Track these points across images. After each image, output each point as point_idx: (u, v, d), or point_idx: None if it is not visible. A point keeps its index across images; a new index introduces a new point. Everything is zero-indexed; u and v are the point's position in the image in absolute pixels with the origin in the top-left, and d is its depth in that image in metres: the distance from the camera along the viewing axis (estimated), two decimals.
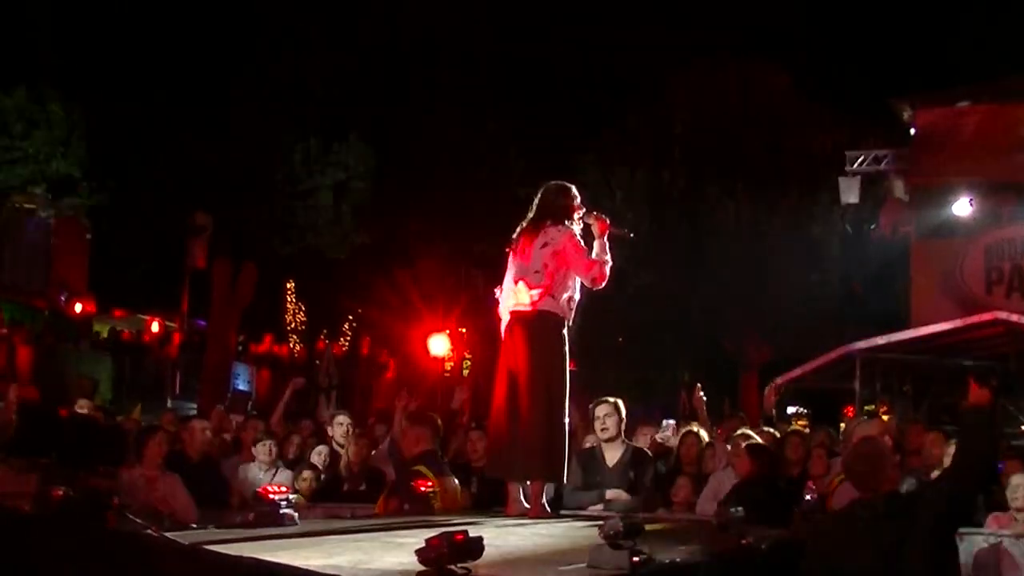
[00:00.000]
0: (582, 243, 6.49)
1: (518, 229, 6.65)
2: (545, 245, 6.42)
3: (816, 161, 21.72)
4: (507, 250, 6.66)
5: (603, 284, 6.43)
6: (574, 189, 6.69)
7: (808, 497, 7.05)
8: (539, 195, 6.67)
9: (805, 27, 24.67)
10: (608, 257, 6.45)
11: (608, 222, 6.54)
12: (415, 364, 22.25)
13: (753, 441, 7.57)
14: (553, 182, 6.72)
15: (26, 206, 23.13)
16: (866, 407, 15.55)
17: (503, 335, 6.55)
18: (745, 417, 10.94)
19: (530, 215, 6.63)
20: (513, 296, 6.47)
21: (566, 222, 6.51)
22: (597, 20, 22.51)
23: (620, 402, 7.59)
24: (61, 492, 4.55)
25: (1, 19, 15.69)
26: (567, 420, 6.47)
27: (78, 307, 24.55)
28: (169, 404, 20.77)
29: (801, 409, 20.61)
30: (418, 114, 19.02)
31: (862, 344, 16.45)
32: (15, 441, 7.55)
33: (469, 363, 24.45)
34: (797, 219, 21.50)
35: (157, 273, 24.53)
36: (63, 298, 24.40)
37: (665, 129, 22.72)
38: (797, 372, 17.07)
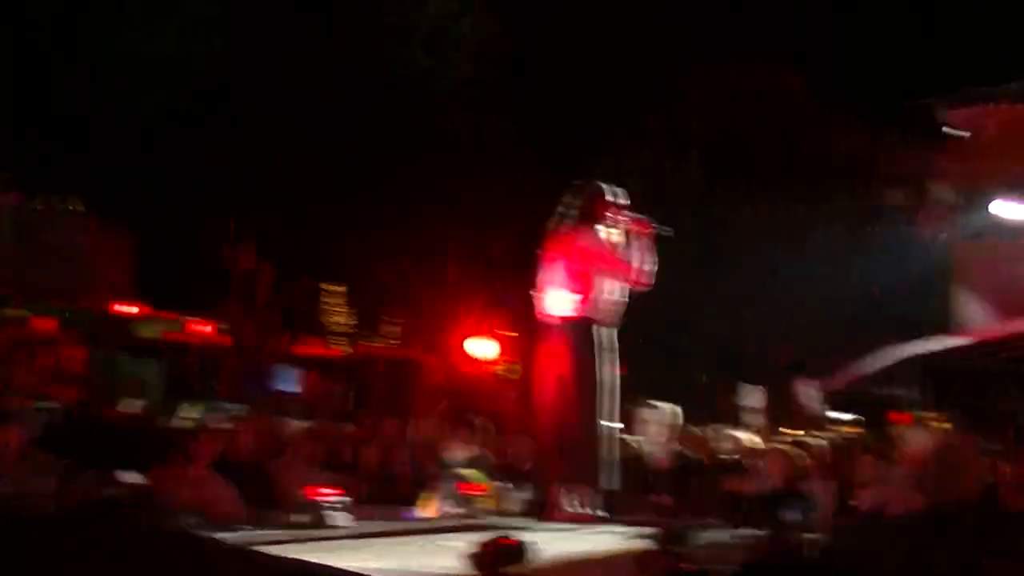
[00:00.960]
0: (617, 246, 6.39)
1: (549, 230, 6.55)
2: (579, 249, 6.34)
3: (849, 162, 21.49)
4: (539, 252, 6.56)
5: (647, 285, 6.35)
6: (606, 188, 6.58)
7: (858, 505, 6.96)
8: (569, 195, 6.57)
9: (836, 25, 24.42)
10: (650, 258, 6.36)
11: (647, 223, 6.44)
12: (462, 368, 22.26)
13: (781, 447, 7.50)
14: (583, 182, 6.61)
15: (72, 208, 23.45)
16: (916, 414, 15.34)
17: (544, 340, 6.48)
18: (792, 423, 10.82)
19: (560, 215, 6.52)
20: (551, 301, 6.40)
21: (598, 224, 6.41)
22: (613, 18, 22.33)
23: (674, 407, 7.53)
24: (108, 492, 4.57)
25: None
26: (614, 424, 6.41)
27: (124, 309, 24.79)
28: (215, 405, 20.90)
29: (847, 415, 20.39)
30: (437, 111, 18.79)
31: (910, 349, 16.21)
32: (64, 441, 7.61)
33: (516, 367, 24.41)
34: (831, 221, 21.29)
35: (203, 275, 24.70)
36: (110, 301, 24.66)
37: (683, 130, 22.56)
38: (844, 377, 16.86)
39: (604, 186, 6.56)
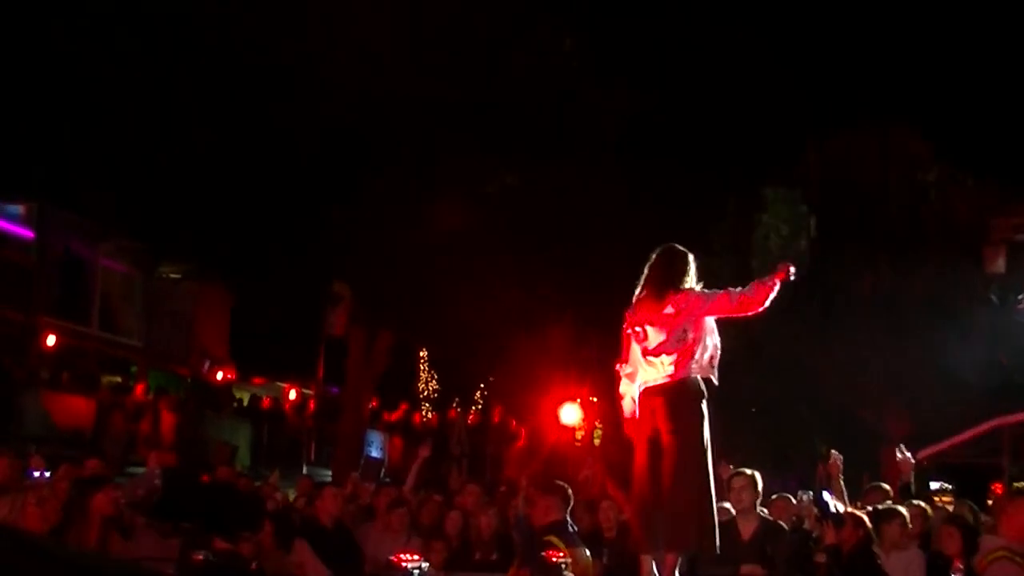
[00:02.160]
0: (701, 291, 6.35)
1: (636, 296, 6.55)
2: (677, 314, 6.29)
3: (959, 229, 21.13)
4: (629, 322, 6.53)
5: (761, 308, 6.20)
6: (690, 256, 6.56)
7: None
8: (654, 259, 6.54)
9: (947, 92, 24.08)
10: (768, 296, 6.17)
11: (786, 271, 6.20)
12: (546, 433, 22.19)
13: (858, 514, 7.36)
14: (669, 246, 6.59)
15: (172, 276, 24.10)
16: (1015, 484, 14.87)
17: (639, 408, 6.40)
18: (890, 491, 10.56)
19: (646, 280, 6.51)
20: (650, 368, 6.34)
21: (687, 287, 6.40)
22: (734, 85, 22.33)
23: (757, 475, 7.44)
24: (202, 556, 4.67)
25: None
26: (705, 490, 6.32)
27: (219, 375, 25.28)
28: (304, 470, 21.14)
29: (945, 485, 19.84)
30: (545, 176, 18.80)
31: (1011, 418, 15.81)
32: (159, 505, 7.79)
33: (600, 433, 24.28)
34: (939, 288, 20.90)
35: (295, 341, 25.06)
36: (206, 366, 25.18)
37: (801, 196, 22.46)
38: (941, 446, 16.48)
39: (687, 252, 6.55)
